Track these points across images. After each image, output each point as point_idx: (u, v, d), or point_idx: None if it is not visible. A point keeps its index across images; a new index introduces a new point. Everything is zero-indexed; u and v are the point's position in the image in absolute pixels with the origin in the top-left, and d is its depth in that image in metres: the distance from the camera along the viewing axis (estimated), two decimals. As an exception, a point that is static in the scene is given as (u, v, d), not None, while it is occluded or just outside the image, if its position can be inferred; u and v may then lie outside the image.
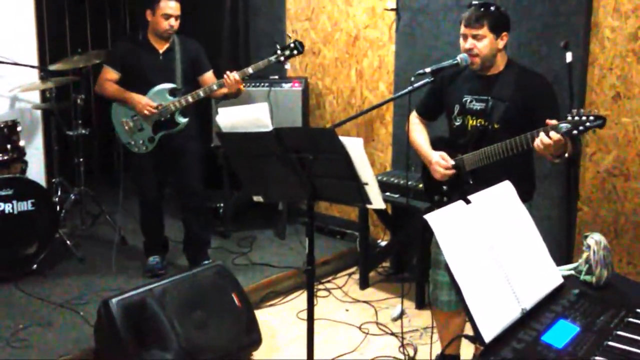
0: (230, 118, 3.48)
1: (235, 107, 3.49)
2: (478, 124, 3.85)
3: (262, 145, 3.38)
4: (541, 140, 3.36)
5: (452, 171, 3.91)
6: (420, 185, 4.94)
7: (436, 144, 4.12)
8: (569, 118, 3.27)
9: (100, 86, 5.58)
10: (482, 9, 3.75)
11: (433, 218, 2.28)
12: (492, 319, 2.22)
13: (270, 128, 3.32)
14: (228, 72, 5.32)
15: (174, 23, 5.42)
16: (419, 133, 4.24)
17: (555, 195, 5.07)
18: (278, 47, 5.35)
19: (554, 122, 3.35)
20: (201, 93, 5.38)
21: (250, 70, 5.34)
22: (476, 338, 2.17)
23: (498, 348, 2.17)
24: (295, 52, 5.34)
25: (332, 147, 3.16)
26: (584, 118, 3.23)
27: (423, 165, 4.19)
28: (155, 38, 5.51)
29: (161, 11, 5.36)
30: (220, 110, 3.54)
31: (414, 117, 4.32)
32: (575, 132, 3.25)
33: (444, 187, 4.03)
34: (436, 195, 4.11)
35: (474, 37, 3.74)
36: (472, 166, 3.84)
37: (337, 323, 5.33)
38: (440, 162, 3.94)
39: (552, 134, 3.31)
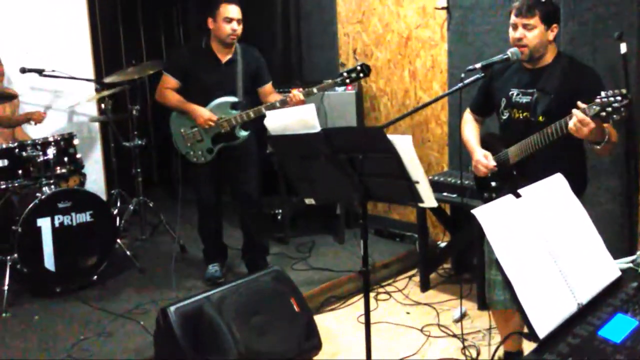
0: (278, 121, 3.48)
1: (283, 110, 3.52)
2: (523, 117, 3.81)
3: (311, 146, 3.37)
4: (576, 115, 3.29)
5: (491, 168, 3.88)
6: (477, 184, 4.90)
7: (485, 140, 4.10)
8: (597, 100, 3.20)
9: (161, 95, 5.58)
10: None
11: (481, 212, 2.23)
12: (546, 314, 2.16)
13: (318, 129, 3.31)
14: (294, 92, 5.21)
15: (237, 27, 5.38)
16: (469, 130, 4.22)
17: (614, 189, 4.95)
18: (345, 70, 5.19)
19: (583, 105, 3.28)
20: (263, 109, 5.29)
21: (315, 90, 5.23)
22: (530, 335, 2.11)
23: (553, 344, 2.11)
24: (361, 74, 5.14)
25: (381, 146, 3.13)
26: (611, 99, 3.15)
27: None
28: (219, 46, 5.48)
29: (222, 15, 5.33)
30: (268, 113, 3.55)
31: (467, 115, 4.29)
32: (603, 113, 3.17)
33: (493, 184, 3.98)
34: (485, 193, 4.06)
35: (525, 26, 3.68)
36: (516, 158, 3.80)
37: (398, 326, 5.28)
38: (482, 160, 3.90)
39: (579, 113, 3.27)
